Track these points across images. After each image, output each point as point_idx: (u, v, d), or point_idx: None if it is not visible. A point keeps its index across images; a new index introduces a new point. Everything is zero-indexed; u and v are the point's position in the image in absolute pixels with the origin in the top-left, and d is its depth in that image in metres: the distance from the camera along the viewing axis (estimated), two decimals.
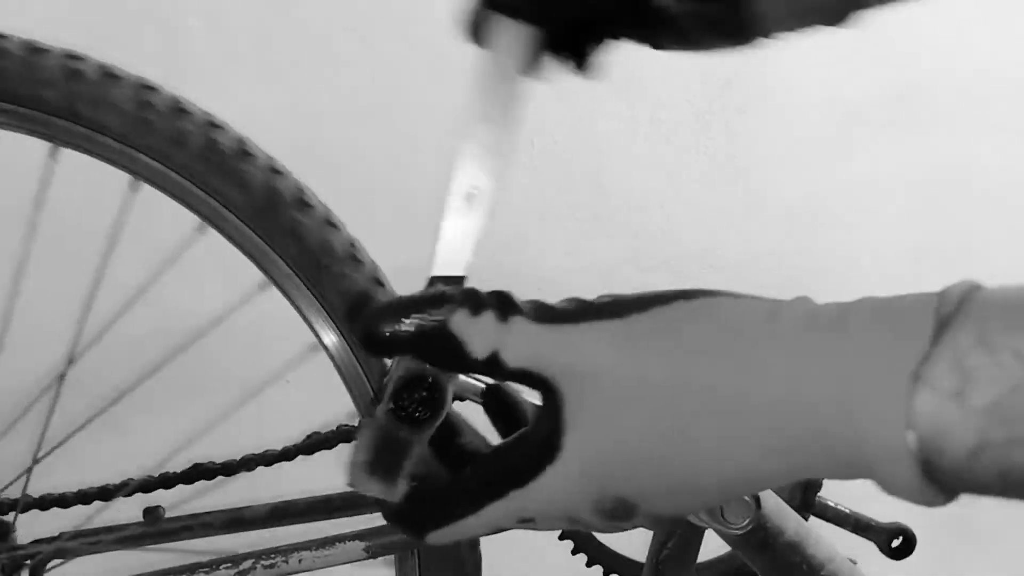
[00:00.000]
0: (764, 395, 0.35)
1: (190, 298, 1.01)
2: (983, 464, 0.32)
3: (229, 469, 0.83)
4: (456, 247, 0.47)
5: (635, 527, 0.41)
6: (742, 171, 1.45)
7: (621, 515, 0.39)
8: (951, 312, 0.33)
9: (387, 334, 0.40)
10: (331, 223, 0.74)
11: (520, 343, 0.39)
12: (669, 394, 0.37)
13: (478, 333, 0.39)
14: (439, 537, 0.42)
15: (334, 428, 0.84)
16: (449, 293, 0.41)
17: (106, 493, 0.83)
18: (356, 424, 0.79)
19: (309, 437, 0.84)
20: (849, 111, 1.47)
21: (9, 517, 0.82)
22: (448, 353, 0.39)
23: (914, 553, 0.80)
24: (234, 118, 0.74)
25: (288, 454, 0.83)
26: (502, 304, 0.40)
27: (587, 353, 0.38)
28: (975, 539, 1.48)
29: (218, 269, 0.82)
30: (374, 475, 0.43)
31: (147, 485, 0.83)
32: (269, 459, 0.83)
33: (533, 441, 0.39)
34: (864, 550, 0.79)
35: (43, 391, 0.77)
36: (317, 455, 0.84)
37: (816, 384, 0.34)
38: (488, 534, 0.42)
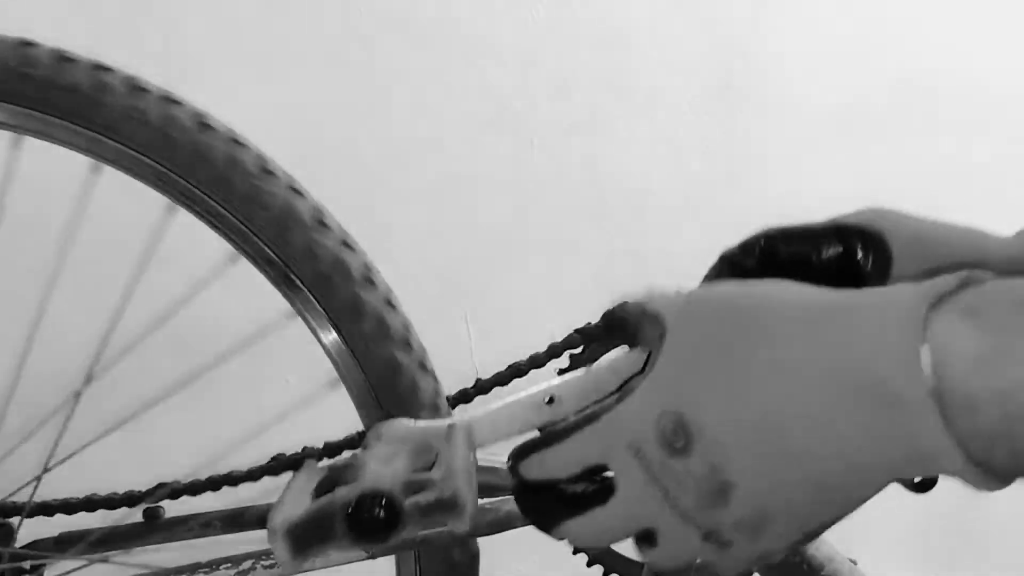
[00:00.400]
0: (818, 354, 0.36)
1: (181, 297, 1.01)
2: (986, 379, 0.32)
3: (233, 480, 0.82)
4: (500, 422, 0.48)
5: (696, 488, 0.39)
6: (742, 171, 1.45)
7: (679, 445, 0.39)
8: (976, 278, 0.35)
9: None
10: (323, 223, 0.75)
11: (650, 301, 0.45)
12: (746, 345, 0.39)
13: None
14: (528, 468, 0.43)
15: (299, 451, 0.83)
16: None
17: (111, 502, 0.83)
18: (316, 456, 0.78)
19: (274, 459, 0.84)
20: (849, 111, 1.47)
21: (13, 521, 0.82)
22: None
23: (914, 555, 0.80)
24: (234, 118, 0.74)
25: (253, 475, 0.82)
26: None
27: (684, 300, 0.43)
28: (975, 540, 1.48)
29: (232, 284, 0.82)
30: (288, 538, 0.42)
31: (154, 494, 0.83)
32: (234, 480, 0.82)
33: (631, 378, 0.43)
34: (864, 551, 0.79)
35: (61, 404, 0.77)
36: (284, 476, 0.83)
37: (859, 339, 0.35)
38: (569, 478, 0.42)
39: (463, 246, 1.38)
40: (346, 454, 0.80)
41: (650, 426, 0.40)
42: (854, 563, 0.70)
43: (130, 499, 0.82)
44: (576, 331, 0.82)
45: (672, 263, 1.40)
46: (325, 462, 0.47)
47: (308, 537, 0.41)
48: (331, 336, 0.73)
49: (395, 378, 0.73)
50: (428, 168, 1.35)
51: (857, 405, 0.35)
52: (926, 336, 0.33)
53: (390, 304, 0.75)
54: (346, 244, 0.74)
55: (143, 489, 0.82)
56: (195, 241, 0.72)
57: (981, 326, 0.32)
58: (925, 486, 0.79)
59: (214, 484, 0.82)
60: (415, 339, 0.75)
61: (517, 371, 0.83)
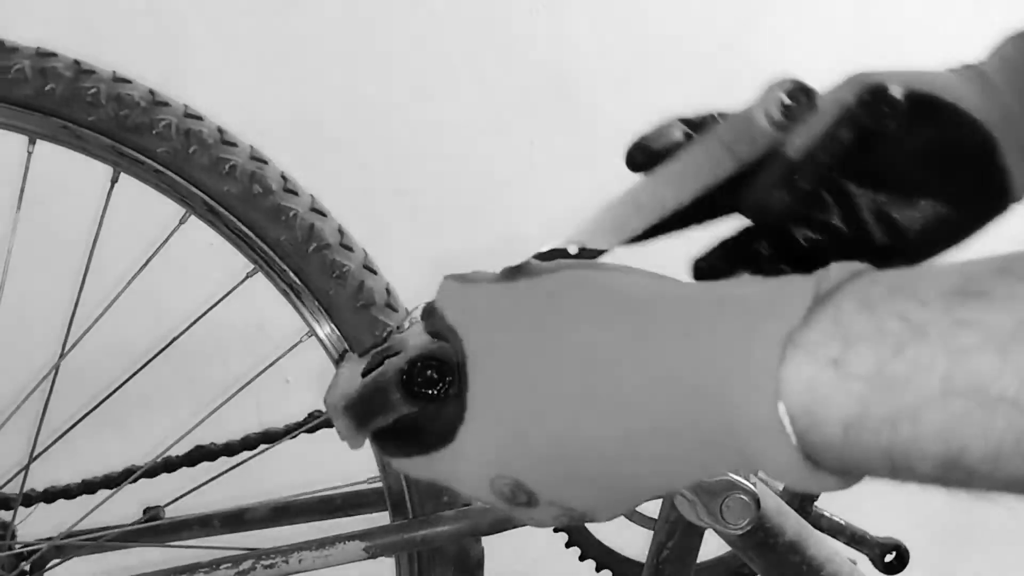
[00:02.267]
0: (643, 373, 0.33)
1: (180, 290, 1.02)
2: (865, 440, 0.28)
3: (231, 450, 0.83)
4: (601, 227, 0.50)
5: (557, 520, 0.39)
6: None
7: (522, 501, 0.38)
8: (834, 286, 0.30)
9: None
10: (316, 210, 0.75)
11: (443, 298, 0.41)
12: (547, 367, 0.35)
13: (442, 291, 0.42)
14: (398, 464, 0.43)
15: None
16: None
17: (110, 482, 0.83)
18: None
19: (311, 416, 0.84)
20: None
21: (10, 515, 0.83)
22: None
23: (912, 561, 0.80)
24: (234, 117, 0.74)
25: (290, 431, 0.83)
26: (473, 273, 0.43)
27: (471, 311, 0.40)
28: (974, 547, 1.48)
29: (209, 262, 0.82)
30: (348, 414, 0.43)
31: (152, 471, 0.83)
32: (271, 437, 0.83)
33: (444, 411, 0.39)
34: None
35: (37, 385, 0.77)
36: (320, 433, 0.83)
37: (693, 360, 0.32)
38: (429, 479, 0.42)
39: (463, 246, 1.38)
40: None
41: (485, 487, 0.38)
42: (854, 563, 0.70)
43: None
44: None
45: (672, 263, 1.40)
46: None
47: (367, 409, 0.42)
48: (326, 328, 0.74)
49: None
50: (428, 168, 1.35)
51: (686, 423, 0.32)
52: (781, 388, 0.29)
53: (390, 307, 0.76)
54: (368, 268, 0.75)
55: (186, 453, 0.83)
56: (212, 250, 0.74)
57: (850, 379, 0.28)
58: (895, 568, 0.80)
59: (250, 444, 0.83)
60: None
61: None
